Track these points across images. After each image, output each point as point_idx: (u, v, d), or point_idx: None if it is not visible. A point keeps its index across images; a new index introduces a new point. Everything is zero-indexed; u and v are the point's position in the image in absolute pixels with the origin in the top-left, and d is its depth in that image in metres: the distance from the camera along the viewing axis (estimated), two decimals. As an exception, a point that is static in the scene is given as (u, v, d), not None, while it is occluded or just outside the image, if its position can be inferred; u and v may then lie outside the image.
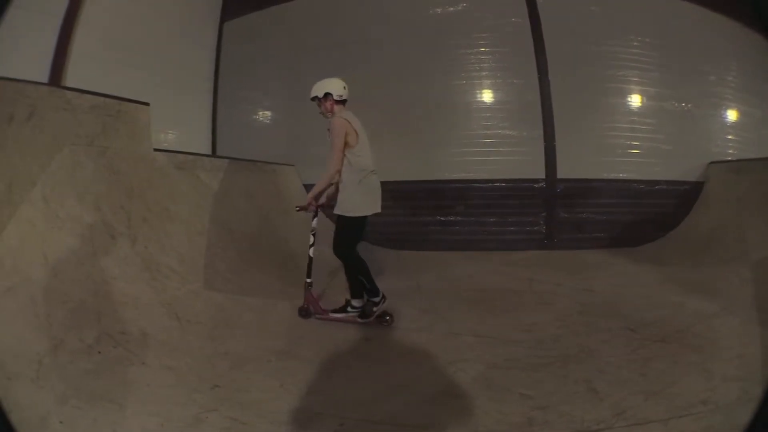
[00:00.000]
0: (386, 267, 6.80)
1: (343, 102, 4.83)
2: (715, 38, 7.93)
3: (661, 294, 5.26)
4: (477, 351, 4.02)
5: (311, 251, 4.96)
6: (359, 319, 4.75)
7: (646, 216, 7.91)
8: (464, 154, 8.43)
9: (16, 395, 2.58)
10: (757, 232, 5.54)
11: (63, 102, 4.30)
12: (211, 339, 4.04)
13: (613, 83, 8.14)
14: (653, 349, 3.87)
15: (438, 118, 8.42)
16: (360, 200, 4.68)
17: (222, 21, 9.75)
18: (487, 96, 8.55)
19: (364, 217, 4.74)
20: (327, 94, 4.78)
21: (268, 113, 9.50)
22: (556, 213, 8.18)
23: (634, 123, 8.15)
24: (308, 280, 4.92)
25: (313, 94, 4.86)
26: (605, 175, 8.10)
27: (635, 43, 8.12)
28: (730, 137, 8.07)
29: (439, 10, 8.70)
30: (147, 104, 5.36)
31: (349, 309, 4.85)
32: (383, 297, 4.74)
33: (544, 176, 8.15)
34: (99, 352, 3.33)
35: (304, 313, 4.90)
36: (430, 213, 8.44)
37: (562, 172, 8.12)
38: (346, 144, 4.64)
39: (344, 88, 4.85)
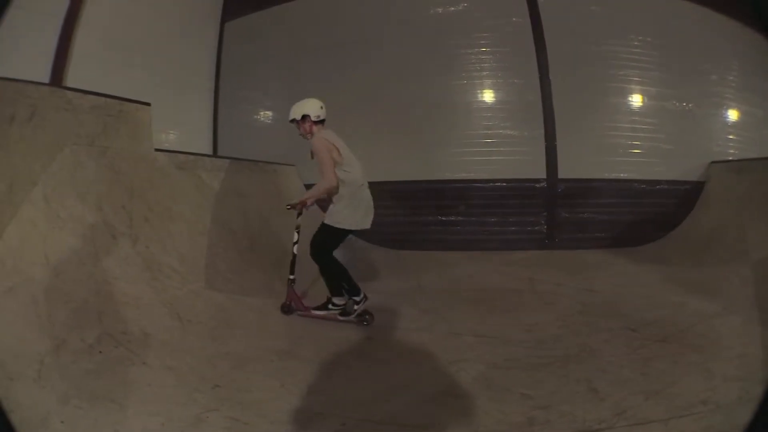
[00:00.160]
0: (387, 267, 6.81)
1: (321, 122, 4.85)
2: (715, 38, 7.93)
3: (661, 294, 5.27)
4: (477, 351, 4.02)
5: (295, 248, 4.97)
6: (340, 317, 4.77)
7: (647, 216, 7.91)
8: (465, 154, 8.43)
9: (18, 395, 2.59)
10: (758, 231, 5.54)
11: (64, 102, 4.30)
12: (212, 339, 4.04)
13: (613, 83, 8.13)
14: (654, 348, 3.87)
15: (439, 117, 8.42)
16: (350, 215, 4.71)
17: (223, 21, 9.75)
18: (487, 96, 8.55)
19: (349, 230, 4.79)
20: (305, 116, 4.80)
21: (269, 113, 9.51)
22: (557, 213, 8.18)
23: (635, 123, 8.14)
24: (291, 277, 4.94)
25: (291, 117, 4.89)
26: (606, 175, 8.09)
27: (636, 43, 8.11)
28: (731, 137, 8.06)
29: (439, 10, 8.70)
30: (148, 104, 5.36)
31: (330, 306, 4.87)
32: (364, 296, 4.77)
33: (545, 176, 8.15)
34: (100, 352, 3.33)
35: (286, 309, 4.93)
36: (431, 213, 8.44)
37: (563, 171, 8.12)
38: (334, 161, 4.65)
39: (321, 108, 4.86)
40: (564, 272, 6.38)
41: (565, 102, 8.10)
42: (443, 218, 8.40)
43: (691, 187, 7.86)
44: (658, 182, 8.02)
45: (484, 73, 8.51)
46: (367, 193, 4.83)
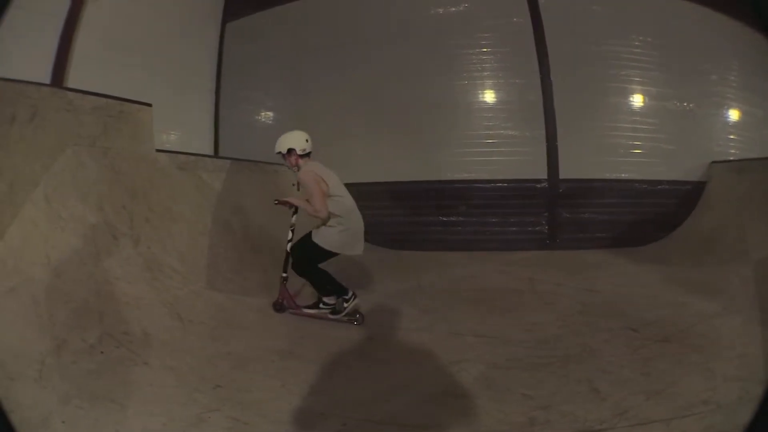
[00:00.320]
0: (387, 267, 6.80)
1: (307, 155, 4.85)
2: (716, 38, 7.91)
3: (662, 294, 5.26)
4: (478, 351, 4.02)
5: (288, 247, 4.97)
6: (330, 316, 4.79)
7: (648, 216, 7.89)
8: (466, 154, 8.42)
9: (18, 395, 2.60)
10: (759, 231, 5.53)
11: (65, 103, 4.32)
12: (213, 339, 4.05)
13: (614, 83, 8.12)
14: (655, 348, 3.87)
15: (439, 118, 8.41)
16: (342, 241, 4.73)
17: (224, 21, 9.75)
18: (488, 96, 8.53)
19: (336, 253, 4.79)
20: (290, 150, 4.80)
21: (270, 114, 9.50)
22: (558, 213, 8.17)
23: (635, 123, 8.13)
24: (284, 275, 4.95)
25: (276, 150, 4.89)
26: (607, 175, 8.08)
27: (636, 43, 8.10)
28: (731, 137, 8.04)
29: (440, 10, 8.68)
30: (149, 105, 5.37)
31: (321, 306, 4.89)
32: (354, 295, 4.79)
33: (546, 176, 8.13)
34: (101, 352, 3.34)
35: (279, 307, 4.94)
36: (432, 213, 8.43)
37: (564, 172, 8.10)
38: (323, 192, 4.64)
39: (307, 141, 4.87)
40: (565, 272, 6.37)
41: (566, 102, 8.09)
42: (444, 218, 8.39)
43: (692, 188, 7.84)
44: (659, 182, 8.00)
45: (485, 73, 8.50)
46: (358, 217, 4.85)
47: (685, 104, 8.03)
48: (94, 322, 3.53)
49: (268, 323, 4.66)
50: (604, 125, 8.12)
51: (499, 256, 7.51)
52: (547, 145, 8.13)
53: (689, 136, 7.98)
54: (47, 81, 5.88)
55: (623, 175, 8.06)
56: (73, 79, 6.14)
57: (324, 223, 4.69)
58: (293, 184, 5.02)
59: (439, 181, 8.42)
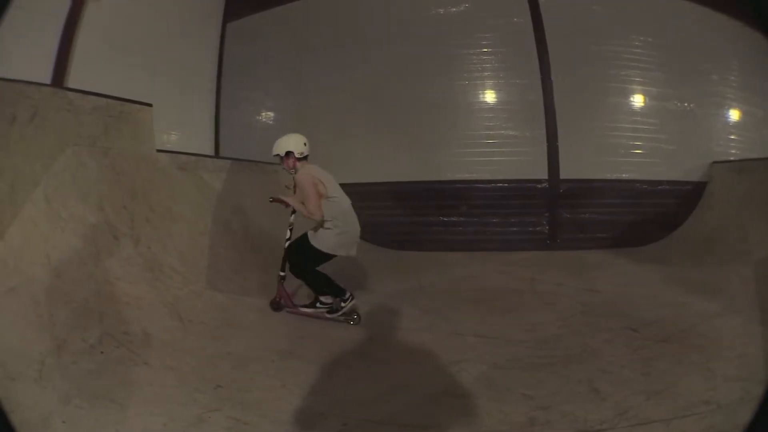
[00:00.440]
0: (388, 267, 6.80)
1: (305, 158, 4.86)
2: (716, 38, 7.91)
3: (663, 294, 5.26)
4: (479, 351, 4.02)
5: (287, 245, 4.98)
6: (327, 315, 4.80)
7: (649, 216, 7.89)
8: (466, 154, 8.41)
9: (19, 395, 2.60)
10: (759, 231, 5.53)
11: (65, 103, 4.32)
12: (213, 339, 4.05)
13: (615, 83, 8.11)
14: (655, 349, 3.87)
15: (440, 118, 8.40)
16: (339, 243, 4.73)
17: (224, 22, 9.75)
18: (489, 96, 8.53)
19: (333, 255, 4.79)
20: (288, 153, 4.82)
21: (271, 114, 9.49)
22: (558, 213, 8.16)
23: (636, 123, 8.12)
24: (281, 274, 4.96)
25: (274, 153, 4.91)
26: (608, 176, 8.07)
27: (637, 43, 8.10)
28: (732, 137, 8.03)
29: (440, 10, 8.68)
30: (150, 105, 5.37)
31: (318, 305, 4.89)
32: (351, 296, 4.79)
33: (546, 176, 8.13)
34: (101, 353, 3.34)
35: (276, 306, 4.94)
36: (432, 213, 8.42)
37: (565, 172, 8.10)
38: (319, 195, 4.66)
39: (305, 144, 4.89)
40: (565, 272, 6.37)
41: (567, 102, 8.08)
42: (444, 219, 8.39)
43: (693, 188, 7.84)
44: (660, 182, 8.00)
45: (486, 73, 8.49)
46: (354, 219, 4.86)
47: (685, 104, 8.02)
48: (95, 322, 3.53)
49: (269, 323, 4.66)
50: (604, 125, 8.12)
51: (500, 256, 7.51)
52: (548, 145, 8.12)
53: (690, 136, 7.98)
54: (48, 81, 5.87)
55: (624, 175, 8.06)
56: (73, 80, 6.14)
57: (320, 225, 4.69)
58: (287, 187, 5.02)
59: (440, 182, 8.41)
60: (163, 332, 3.85)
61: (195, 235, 5.27)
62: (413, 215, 8.37)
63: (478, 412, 3.08)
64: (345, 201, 4.82)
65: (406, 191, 8.31)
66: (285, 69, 9.17)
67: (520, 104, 8.31)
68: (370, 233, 7.79)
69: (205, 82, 9.37)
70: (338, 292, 4.78)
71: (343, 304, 4.75)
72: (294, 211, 4.97)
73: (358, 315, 4.78)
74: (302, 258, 4.76)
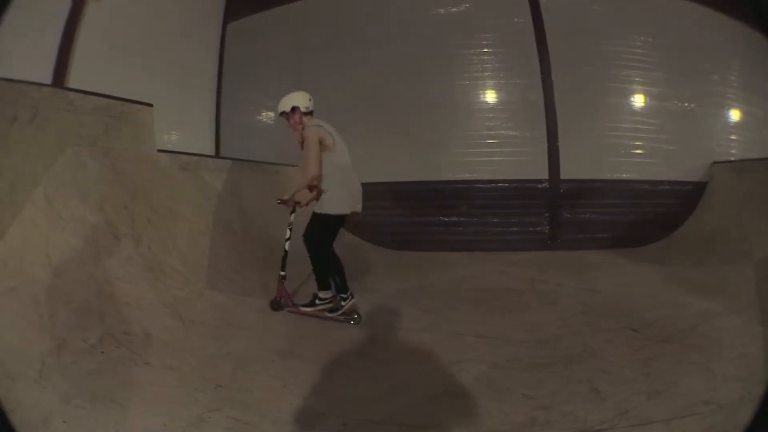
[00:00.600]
0: (388, 267, 6.81)
1: (310, 113, 4.89)
2: (717, 38, 7.91)
3: (663, 294, 5.26)
4: (479, 351, 4.02)
5: (287, 245, 4.99)
6: (328, 313, 4.80)
7: (649, 216, 7.89)
8: (467, 154, 8.42)
9: (19, 395, 2.60)
10: (760, 232, 5.54)
11: (66, 103, 4.32)
12: (213, 339, 4.05)
13: (615, 83, 8.12)
14: (656, 349, 3.86)
15: (440, 118, 8.42)
16: (344, 199, 4.75)
17: (225, 22, 9.76)
18: (489, 96, 8.54)
19: (343, 217, 4.82)
20: (294, 108, 4.85)
21: (271, 114, 9.48)
22: (559, 213, 8.17)
23: (636, 123, 8.13)
24: (282, 273, 4.96)
25: (280, 110, 4.94)
26: (608, 176, 8.08)
27: (637, 43, 8.10)
28: (732, 137, 8.04)
29: (440, 10, 8.70)
30: (150, 105, 5.37)
31: (317, 302, 4.89)
32: (351, 295, 4.82)
33: (547, 176, 8.14)
34: (102, 353, 3.34)
35: (276, 306, 4.94)
36: (433, 213, 8.43)
37: (565, 172, 8.11)
38: (325, 147, 4.70)
39: (310, 100, 4.95)
40: (566, 272, 6.37)
41: (567, 102, 8.09)
42: (445, 219, 8.40)
43: (693, 188, 7.84)
44: (660, 183, 8.01)
45: (486, 73, 8.50)
46: (355, 177, 4.90)
47: (685, 104, 8.03)
48: (95, 322, 3.53)
49: (269, 323, 4.66)
50: (604, 125, 8.13)
51: (500, 256, 7.52)
52: (548, 145, 8.13)
53: (690, 136, 7.99)
54: (48, 81, 5.89)
55: (624, 175, 8.07)
56: (74, 80, 6.15)
57: (319, 197, 4.73)
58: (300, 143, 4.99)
59: (440, 182, 8.43)
60: (163, 332, 3.85)
61: (195, 236, 5.28)
62: (413, 215, 8.38)
63: (478, 412, 3.08)
64: (346, 157, 4.88)
65: (407, 191, 8.33)
66: (285, 69, 9.18)
67: (520, 104, 8.33)
68: (370, 233, 7.82)
69: (205, 82, 9.40)
70: (343, 288, 4.78)
71: (343, 303, 4.76)
72: (294, 211, 4.98)
73: (358, 315, 4.78)
74: (316, 233, 4.76)
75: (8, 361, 2.82)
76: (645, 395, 3.12)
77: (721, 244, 6.25)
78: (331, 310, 4.81)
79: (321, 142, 4.67)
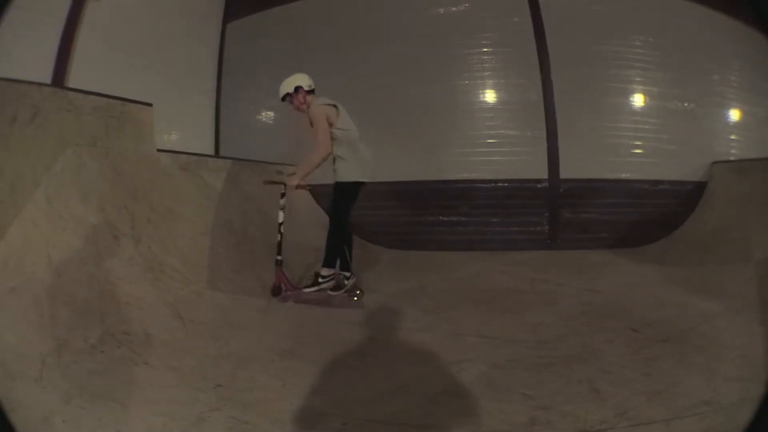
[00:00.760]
0: (388, 267, 6.81)
1: (312, 92, 4.98)
2: (717, 37, 7.90)
3: (663, 294, 5.25)
4: (479, 351, 4.02)
5: (281, 229, 5.02)
6: (331, 292, 4.86)
7: (650, 216, 7.89)
8: (467, 154, 8.42)
9: (19, 395, 2.60)
10: (760, 232, 5.54)
11: (66, 103, 4.32)
12: (214, 339, 4.05)
13: (615, 83, 8.12)
14: (656, 349, 3.86)
15: (440, 118, 8.41)
16: (360, 167, 4.94)
17: (224, 22, 9.76)
18: (489, 96, 8.53)
19: (360, 184, 4.98)
20: (298, 88, 4.92)
21: (271, 113, 9.49)
22: (559, 213, 8.17)
23: (636, 123, 8.12)
24: (278, 258, 4.99)
25: (283, 92, 5.04)
26: (608, 175, 8.08)
27: (637, 43, 8.10)
28: (733, 137, 8.04)
29: (440, 10, 8.69)
30: (150, 105, 5.37)
31: (320, 280, 4.93)
32: (353, 274, 5.01)
33: (546, 176, 8.14)
34: (102, 352, 3.34)
35: (277, 291, 4.97)
36: (433, 213, 8.43)
37: (565, 172, 8.10)
38: (330, 123, 4.83)
39: (310, 78, 5.09)
40: (566, 272, 6.37)
41: (567, 102, 8.09)
42: (445, 218, 8.40)
43: (693, 188, 7.84)
44: (660, 182, 8.00)
45: (486, 73, 8.50)
46: (364, 146, 5.07)
47: (686, 104, 8.02)
48: (95, 322, 3.53)
49: (269, 323, 4.66)
50: (604, 125, 8.12)
51: (500, 256, 7.52)
52: (548, 145, 8.13)
53: (690, 136, 7.98)
54: (48, 81, 5.88)
55: (624, 175, 8.06)
56: (74, 79, 6.14)
57: (338, 160, 4.92)
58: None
59: (440, 181, 8.42)
60: (163, 332, 3.85)
61: (196, 235, 5.28)
62: (413, 215, 8.37)
63: (478, 412, 3.08)
64: (354, 131, 5.02)
65: (406, 191, 8.32)
66: (285, 69, 9.12)
67: (520, 104, 8.33)
68: (371, 233, 7.81)
69: (205, 81, 9.40)
70: (346, 265, 4.95)
71: (346, 282, 4.92)
72: (284, 194, 5.02)
73: (360, 290, 4.86)
74: (337, 201, 4.98)
75: (8, 361, 2.82)
76: (645, 395, 3.12)
77: (721, 244, 6.25)
78: (333, 288, 4.85)
79: (327, 119, 4.74)
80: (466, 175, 8.37)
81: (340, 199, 4.99)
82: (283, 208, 5.03)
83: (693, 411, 2.88)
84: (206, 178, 6.05)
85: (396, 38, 8.63)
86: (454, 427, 2.96)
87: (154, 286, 4.28)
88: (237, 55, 9.61)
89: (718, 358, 3.59)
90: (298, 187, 5.03)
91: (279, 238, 5.01)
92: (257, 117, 9.62)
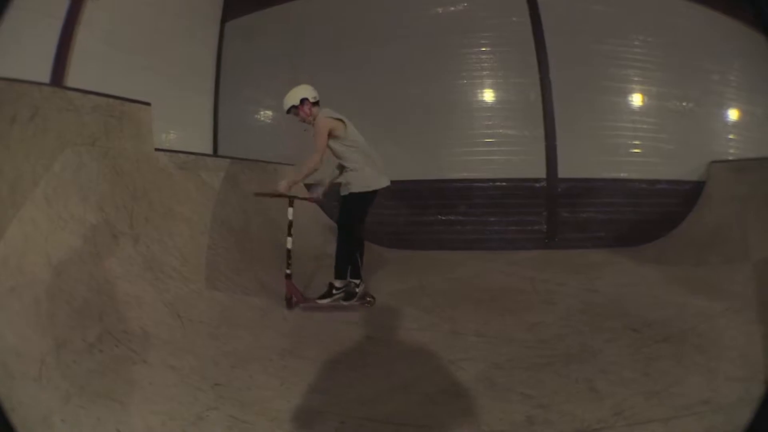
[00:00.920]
0: (388, 266, 6.81)
1: (317, 103, 4.96)
2: (716, 37, 7.91)
3: (663, 294, 5.27)
4: (479, 350, 4.02)
5: (289, 242, 5.02)
6: (344, 302, 4.87)
7: (648, 215, 7.90)
8: (466, 153, 8.44)
9: (19, 394, 2.60)
10: (759, 231, 5.55)
11: (65, 103, 4.30)
12: (213, 338, 4.05)
13: (614, 82, 8.13)
14: (655, 348, 3.86)
15: (439, 117, 8.43)
16: (374, 175, 4.97)
17: (223, 21, 9.76)
18: (488, 95, 8.55)
19: (374, 193, 5.01)
20: (303, 100, 4.90)
21: (270, 113, 9.50)
22: (557, 212, 8.18)
23: (635, 122, 8.15)
24: (287, 272, 4.99)
25: (288, 105, 5.01)
26: (606, 175, 8.10)
27: (636, 43, 8.11)
28: (731, 136, 8.05)
29: (439, 10, 8.70)
30: (149, 104, 5.36)
31: (334, 292, 4.94)
32: (362, 281, 5.04)
33: (545, 176, 8.15)
34: (101, 351, 3.34)
35: (290, 303, 4.97)
36: (432, 212, 8.44)
37: (563, 171, 8.12)
38: (337, 136, 4.85)
39: (314, 90, 5.05)
40: (565, 272, 6.38)
41: (565, 101, 8.11)
42: (443, 218, 8.41)
43: (692, 187, 7.85)
44: (659, 182, 8.02)
45: (485, 72, 8.51)
46: (374, 151, 5.10)
47: (684, 104, 8.04)
48: (95, 322, 3.53)
49: (268, 322, 4.66)
50: (603, 125, 8.14)
51: (500, 255, 7.53)
52: (546, 144, 8.15)
53: (689, 135, 8.00)
54: (47, 80, 5.88)
55: (622, 174, 8.09)
56: (73, 79, 6.14)
57: (349, 172, 4.97)
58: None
59: (439, 181, 8.44)
60: (163, 331, 3.85)
61: (195, 235, 5.27)
62: (412, 214, 8.38)
63: (477, 411, 3.08)
64: (361, 139, 5.03)
65: (405, 190, 8.32)
66: (283, 68, 9.18)
67: (518, 103, 8.35)
68: (370, 233, 7.81)
69: (204, 81, 9.39)
70: (356, 273, 4.97)
71: (357, 289, 4.94)
72: (291, 204, 5.02)
73: (372, 297, 4.88)
74: (350, 211, 5.00)
75: (8, 361, 2.81)
76: (644, 395, 3.12)
77: (720, 244, 6.26)
78: (346, 297, 4.88)
79: (331, 133, 4.76)
80: (464, 175, 8.39)
81: (354, 208, 5.02)
82: (290, 222, 5.04)
83: (692, 411, 2.88)
84: (205, 177, 6.03)
85: (394, 38, 8.65)
86: (453, 426, 2.97)
87: (153, 285, 4.27)
88: (235, 54, 9.61)
89: (717, 357, 3.60)
90: (309, 200, 5.10)
91: (287, 252, 5.02)
92: (256, 116, 9.63)
